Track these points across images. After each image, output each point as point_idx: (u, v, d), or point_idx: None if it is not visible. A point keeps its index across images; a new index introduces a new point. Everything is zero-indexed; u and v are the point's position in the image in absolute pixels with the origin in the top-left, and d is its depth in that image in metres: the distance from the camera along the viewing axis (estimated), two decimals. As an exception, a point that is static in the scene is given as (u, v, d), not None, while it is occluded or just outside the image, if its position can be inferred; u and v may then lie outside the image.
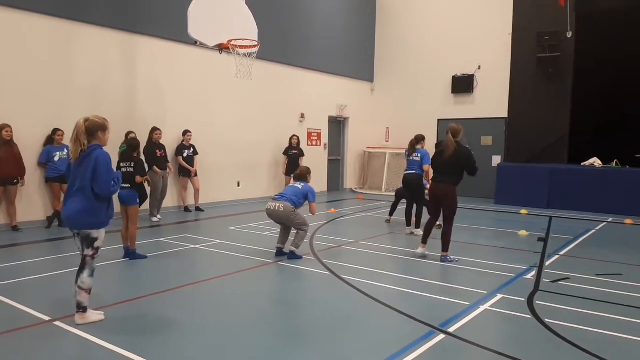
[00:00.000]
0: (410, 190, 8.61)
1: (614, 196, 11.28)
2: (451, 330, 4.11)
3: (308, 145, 13.99)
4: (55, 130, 8.30)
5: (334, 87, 14.88)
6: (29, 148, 8.16)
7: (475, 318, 4.44)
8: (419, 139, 8.62)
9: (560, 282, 5.64)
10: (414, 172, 8.46)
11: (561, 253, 7.20)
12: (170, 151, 10.22)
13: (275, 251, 6.74)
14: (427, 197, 8.20)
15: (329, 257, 6.63)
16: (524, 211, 11.43)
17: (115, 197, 4.58)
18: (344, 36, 15.17)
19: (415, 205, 8.62)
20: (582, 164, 12.39)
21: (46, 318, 4.19)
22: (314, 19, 14.04)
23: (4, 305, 4.51)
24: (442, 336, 3.99)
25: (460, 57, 14.74)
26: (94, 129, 4.04)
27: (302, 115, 13.79)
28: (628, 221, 10.27)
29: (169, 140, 10.23)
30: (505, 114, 14.11)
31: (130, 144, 6.85)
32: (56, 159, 8.24)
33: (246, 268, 6.06)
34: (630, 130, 12.47)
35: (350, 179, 16.04)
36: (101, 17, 9.12)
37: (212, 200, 11.39)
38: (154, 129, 9.62)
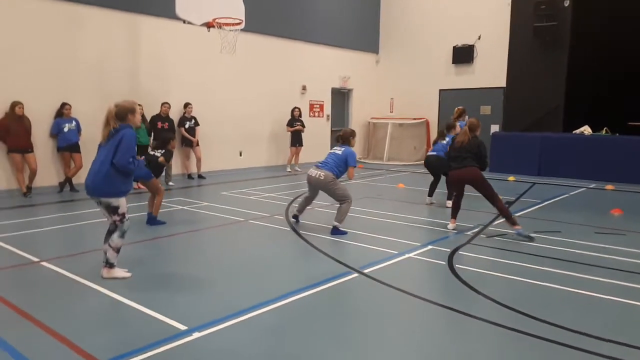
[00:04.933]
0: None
1: (602, 163, 11.52)
2: (366, 271, 4.81)
3: (310, 116, 14.64)
4: (63, 104, 9.24)
5: (337, 59, 15.36)
6: (42, 121, 9.14)
7: (395, 263, 5.12)
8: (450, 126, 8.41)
9: (495, 237, 6.23)
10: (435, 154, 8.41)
11: (517, 215, 7.70)
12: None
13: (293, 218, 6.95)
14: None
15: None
16: (511, 178, 11.83)
17: None
18: (349, 8, 15.56)
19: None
20: (573, 132, 12.62)
21: (35, 259, 5.12)
22: (315, -7, 14.49)
23: (5, 250, 5.49)
24: (355, 275, 4.70)
25: (461, 27, 14.94)
26: (123, 113, 4.35)
27: (304, 88, 14.39)
28: (609, 187, 10.57)
29: (172, 113, 11.06)
30: (503, 84, 14.34)
31: (163, 138, 7.28)
32: (65, 130, 9.21)
33: (218, 225, 6.88)
34: (625, 98, 12.54)
35: (354, 149, 16.56)
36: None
37: (216, 168, 12.26)
38: (163, 104, 10.58)
